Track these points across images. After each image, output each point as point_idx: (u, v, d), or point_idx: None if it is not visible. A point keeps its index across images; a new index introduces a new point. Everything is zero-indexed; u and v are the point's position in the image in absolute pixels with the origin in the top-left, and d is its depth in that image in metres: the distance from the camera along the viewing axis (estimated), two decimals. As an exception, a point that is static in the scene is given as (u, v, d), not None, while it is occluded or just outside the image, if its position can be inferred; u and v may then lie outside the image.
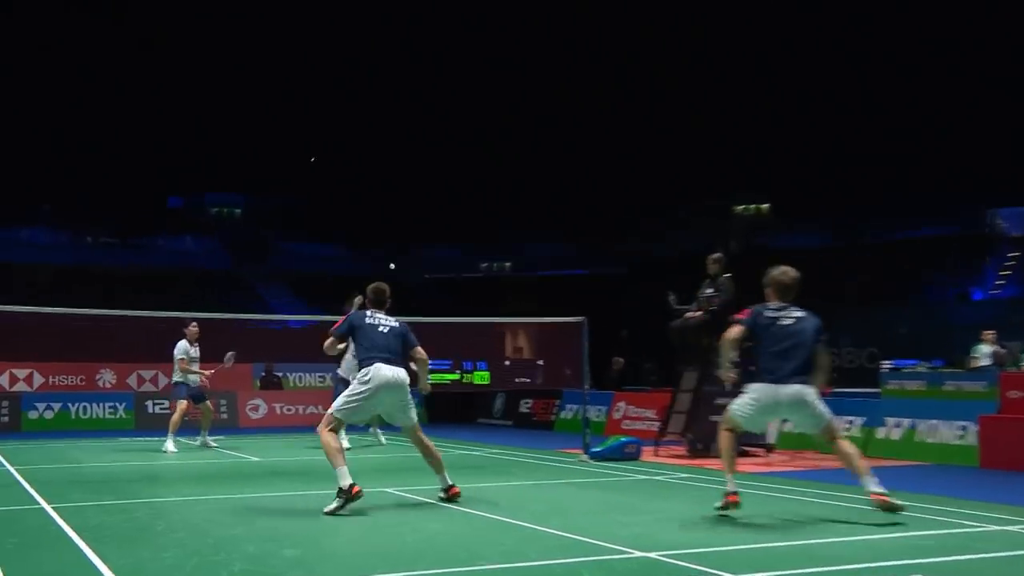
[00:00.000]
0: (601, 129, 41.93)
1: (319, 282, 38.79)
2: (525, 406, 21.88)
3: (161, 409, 20.90)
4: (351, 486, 7.63)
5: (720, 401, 12.95)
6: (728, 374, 7.67)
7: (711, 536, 6.82)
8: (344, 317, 8.61)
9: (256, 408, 21.19)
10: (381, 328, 8.17)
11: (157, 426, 20.02)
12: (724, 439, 7.67)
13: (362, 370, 8.08)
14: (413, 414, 8.29)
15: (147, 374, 22.29)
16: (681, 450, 13.32)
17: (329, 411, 8.13)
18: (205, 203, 44.79)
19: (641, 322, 33.14)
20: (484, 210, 42.64)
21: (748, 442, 13.10)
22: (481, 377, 24.42)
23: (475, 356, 24.36)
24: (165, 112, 43.05)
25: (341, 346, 8.51)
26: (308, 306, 35.17)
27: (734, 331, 7.66)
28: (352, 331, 8.23)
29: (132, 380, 22.16)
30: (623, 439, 13.06)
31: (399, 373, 8.09)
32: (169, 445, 14.15)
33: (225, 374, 23.04)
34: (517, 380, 25.70)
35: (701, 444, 13.11)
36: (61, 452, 14.47)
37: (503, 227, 42.55)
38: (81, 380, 21.88)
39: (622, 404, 18.52)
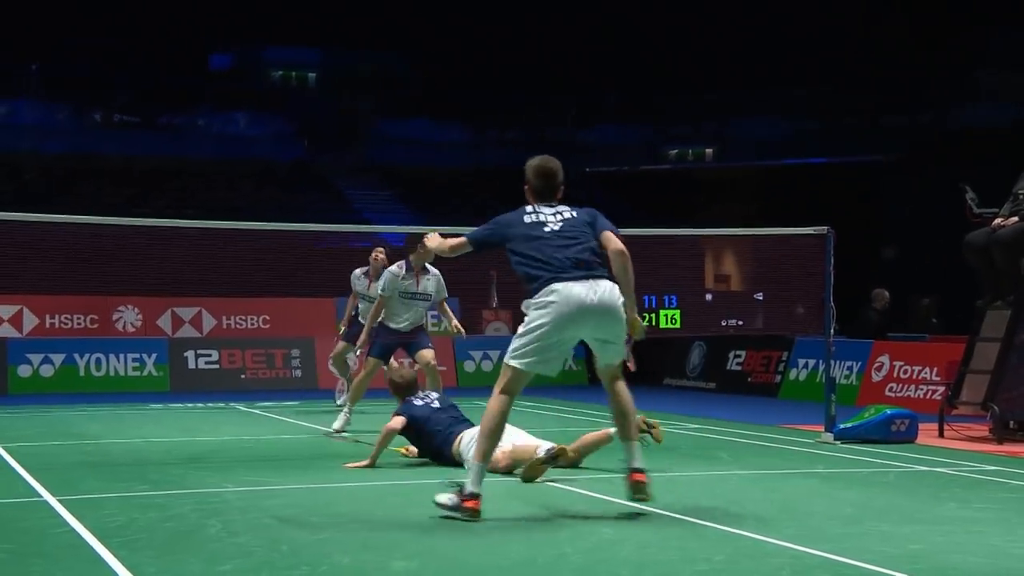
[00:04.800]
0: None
1: (429, 179, 39.39)
2: (736, 361, 21.84)
3: (207, 363, 21.73)
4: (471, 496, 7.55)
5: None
6: None
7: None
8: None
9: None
10: (549, 226, 7.80)
11: (200, 386, 20.89)
12: None
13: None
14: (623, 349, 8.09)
15: (185, 312, 23.14)
16: (982, 429, 13.13)
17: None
18: (264, 63, 45.71)
19: (917, 234, 32.54)
20: (671, 73, 42.06)
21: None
22: (670, 318, 24.45)
23: (660, 287, 24.34)
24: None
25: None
26: (413, 213, 35.74)
27: None
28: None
29: (164, 321, 23.04)
30: (888, 411, 12.92)
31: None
32: (337, 421, 13.57)
33: (298, 313, 23.85)
34: (724, 323, 25.53)
35: (1015, 421, 12.81)
36: (67, 423, 15.14)
37: (700, 96, 41.95)
38: (92, 321, 22.85)
39: (886, 359, 18.33)
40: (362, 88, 44.02)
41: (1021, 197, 12.90)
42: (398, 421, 10.34)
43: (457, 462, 9.99)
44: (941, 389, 15.20)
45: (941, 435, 13.06)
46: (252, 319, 23.66)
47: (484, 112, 43.17)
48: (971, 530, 7.50)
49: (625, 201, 38.61)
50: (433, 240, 8.24)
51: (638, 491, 7.90)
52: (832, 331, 13.31)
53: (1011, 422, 12.83)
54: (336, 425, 13.32)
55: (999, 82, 36.41)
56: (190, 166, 37.42)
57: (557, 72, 43.01)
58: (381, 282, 13.38)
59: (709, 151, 42.92)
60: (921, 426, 12.86)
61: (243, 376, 21.69)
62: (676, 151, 43.27)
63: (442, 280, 13.59)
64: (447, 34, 44.67)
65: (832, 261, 13.05)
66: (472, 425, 10.17)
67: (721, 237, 33.15)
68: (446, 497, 7.55)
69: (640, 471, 7.90)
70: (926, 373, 17.31)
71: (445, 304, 13.81)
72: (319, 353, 21.83)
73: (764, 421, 15.23)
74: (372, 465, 10.23)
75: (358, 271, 15.74)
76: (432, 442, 10.37)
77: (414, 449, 10.80)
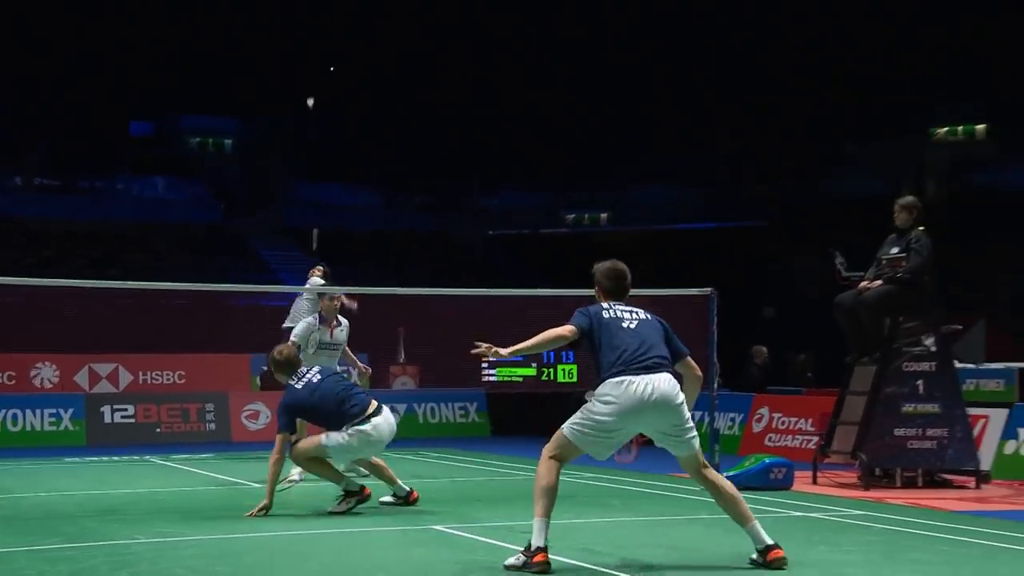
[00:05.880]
0: (727, 16, 41.44)
1: (341, 240, 39.25)
2: (628, 414, 21.92)
3: (122, 417, 21.33)
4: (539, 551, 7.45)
5: (909, 407, 12.86)
6: None
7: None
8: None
9: (255, 416, 21.53)
10: (627, 323, 7.87)
11: (116, 441, 20.46)
12: None
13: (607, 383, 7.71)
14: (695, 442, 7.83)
15: (102, 368, 22.75)
16: (851, 476, 13.21)
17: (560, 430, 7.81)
18: (183, 130, 45.40)
19: (793, 295, 33.05)
20: (568, 141, 42.50)
21: (953, 468, 12.92)
22: (567, 372, 24.43)
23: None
24: (126, 3, 43.52)
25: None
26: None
27: None
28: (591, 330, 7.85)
29: (82, 377, 22.63)
30: (766, 460, 12.99)
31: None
32: (293, 472, 12.56)
33: (213, 369, 23.60)
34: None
35: (881, 469, 12.93)
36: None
37: (595, 164, 42.38)
38: (9, 378, 22.35)
39: (765, 411, 18.41)
40: (277, 154, 43.87)
41: (884, 262, 13.13)
42: (280, 445, 10.24)
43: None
44: (815, 439, 15.34)
45: (815, 482, 13.12)
46: (168, 374, 23.31)
47: (393, 177, 43.25)
48: (840, 572, 7.59)
49: (526, 262, 38.80)
50: (500, 348, 7.83)
51: (781, 566, 7.60)
52: (716, 385, 13.44)
53: (877, 469, 12.93)
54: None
55: (867, 155, 37.37)
56: (110, 228, 36.95)
57: (463, 141, 43.27)
58: (297, 329, 13.29)
59: (604, 216, 43.30)
60: (797, 474, 12.89)
61: (158, 430, 21.27)
62: (573, 216, 43.61)
63: (349, 328, 13.58)
64: (358, 103, 44.81)
65: (716, 320, 13.19)
66: (370, 398, 10.61)
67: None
68: (513, 559, 7.49)
69: (776, 547, 7.64)
70: (802, 424, 17.39)
71: (347, 348, 13.72)
72: (233, 407, 21.61)
73: (654, 470, 15.22)
74: (270, 503, 10.12)
75: (310, 318, 13.76)
76: (330, 416, 10.43)
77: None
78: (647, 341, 7.77)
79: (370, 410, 10.42)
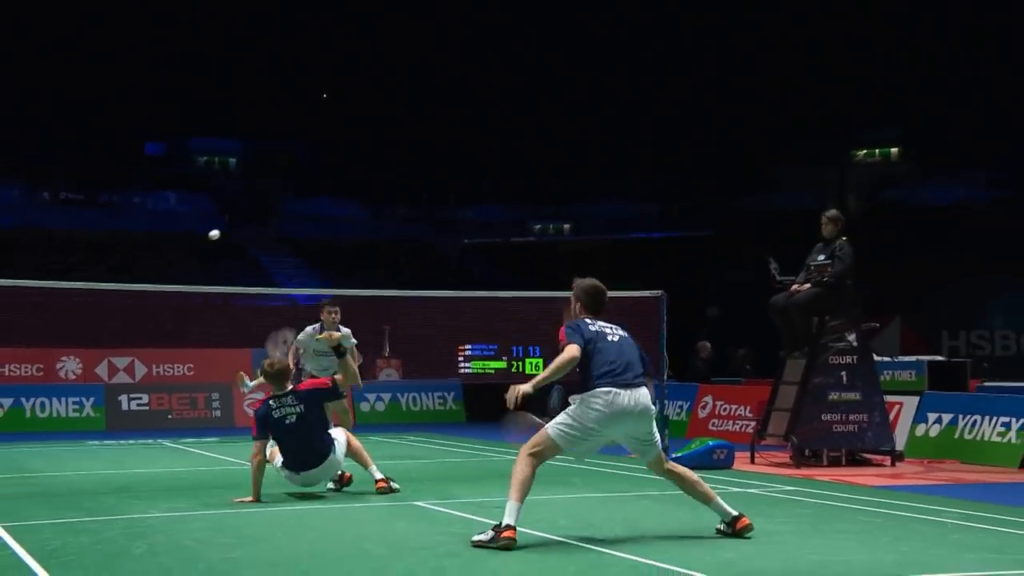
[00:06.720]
0: (677, 53, 41.67)
1: (333, 249, 39.17)
2: (588, 402, 21.95)
3: (138, 405, 21.27)
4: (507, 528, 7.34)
5: (834, 395, 12.96)
6: None
7: (825, 567, 6.76)
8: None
9: (256, 404, 21.42)
10: (611, 337, 7.79)
11: (132, 426, 20.41)
12: None
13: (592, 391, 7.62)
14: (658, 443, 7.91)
15: (120, 362, 22.66)
16: (784, 456, 13.30)
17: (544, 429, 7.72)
18: (191, 150, 45.25)
19: (734, 297, 33.22)
20: (537, 160, 42.60)
21: (872, 448, 13.04)
22: (533, 365, 24.46)
23: (526, 339, 24.39)
24: (141, 35, 43.45)
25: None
26: (320, 279, 35.48)
27: None
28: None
29: (102, 369, 22.54)
30: (710, 443, 13.06)
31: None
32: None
33: (218, 362, 23.52)
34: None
35: (809, 450, 13.04)
36: (13, 459, 14.73)
37: (560, 180, 42.47)
38: (38, 370, 22.25)
39: (709, 399, 18.52)
40: (275, 172, 43.78)
41: (812, 268, 13.23)
42: (257, 447, 9.90)
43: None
44: (753, 424, 15.44)
45: (752, 462, 13.22)
46: (178, 367, 23.23)
47: (379, 192, 43.25)
48: (773, 540, 7.65)
49: (498, 268, 38.81)
50: (524, 386, 7.60)
51: (748, 531, 7.70)
52: (666, 376, 13.49)
53: (806, 450, 13.06)
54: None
55: (798, 176, 37.68)
56: (127, 238, 36.83)
57: (442, 159, 43.31)
58: (300, 335, 13.50)
59: (567, 227, 43.37)
60: (737, 454, 13.00)
61: (170, 416, 21.25)
62: (540, 226, 43.65)
63: (350, 335, 13.53)
64: (346, 126, 44.81)
65: (665, 319, 13.24)
66: (333, 449, 10.05)
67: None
68: (482, 534, 7.38)
69: (742, 516, 7.77)
70: (741, 411, 17.52)
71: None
72: (236, 396, 21.54)
73: (611, 452, 15.25)
74: (257, 499, 9.71)
75: (310, 328, 13.91)
76: (284, 455, 10.12)
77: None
78: (629, 358, 7.76)
79: (316, 459, 10.05)
